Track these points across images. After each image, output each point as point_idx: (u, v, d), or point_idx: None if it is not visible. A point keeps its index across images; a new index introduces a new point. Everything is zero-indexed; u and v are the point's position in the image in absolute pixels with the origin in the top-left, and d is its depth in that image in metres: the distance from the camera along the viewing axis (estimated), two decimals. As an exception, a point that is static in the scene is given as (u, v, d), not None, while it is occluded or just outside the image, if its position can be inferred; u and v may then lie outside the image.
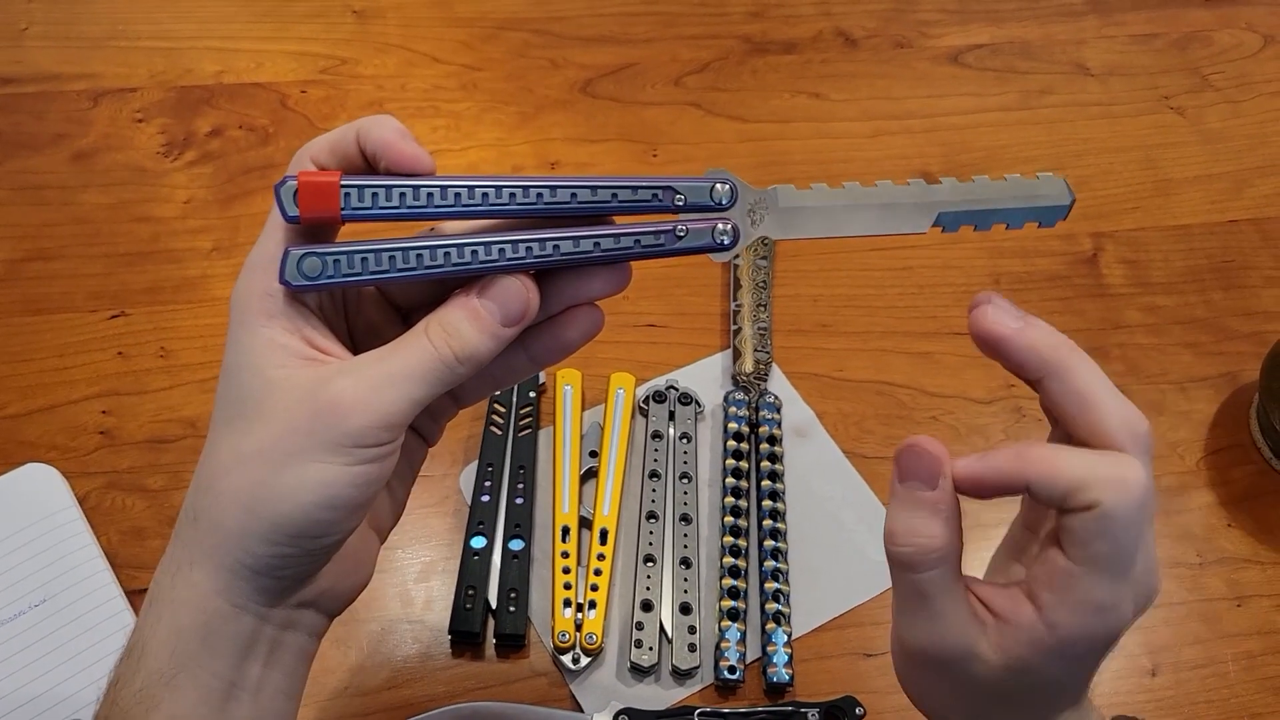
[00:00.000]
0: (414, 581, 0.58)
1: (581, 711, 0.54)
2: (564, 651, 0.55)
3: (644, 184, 0.36)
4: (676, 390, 0.64)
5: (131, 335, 0.66)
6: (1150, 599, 0.35)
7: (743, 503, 0.60)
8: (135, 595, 0.56)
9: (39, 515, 0.58)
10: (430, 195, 0.35)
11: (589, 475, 0.62)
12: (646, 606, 0.57)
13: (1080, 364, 0.35)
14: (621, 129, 0.79)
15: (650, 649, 0.55)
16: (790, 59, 0.85)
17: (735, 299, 0.69)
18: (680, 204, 0.36)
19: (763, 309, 0.68)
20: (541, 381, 0.64)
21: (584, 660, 0.55)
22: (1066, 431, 0.35)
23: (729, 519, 0.60)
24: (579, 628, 0.56)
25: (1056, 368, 0.35)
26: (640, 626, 0.56)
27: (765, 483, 0.61)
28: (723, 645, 0.56)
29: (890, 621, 0.58)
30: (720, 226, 0.37)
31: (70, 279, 0.69)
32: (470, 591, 0.57)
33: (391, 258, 0.35)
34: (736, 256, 0.70)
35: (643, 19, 0.86)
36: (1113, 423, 0.34)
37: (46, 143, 0.75)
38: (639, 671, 0.55)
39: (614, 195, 0.36)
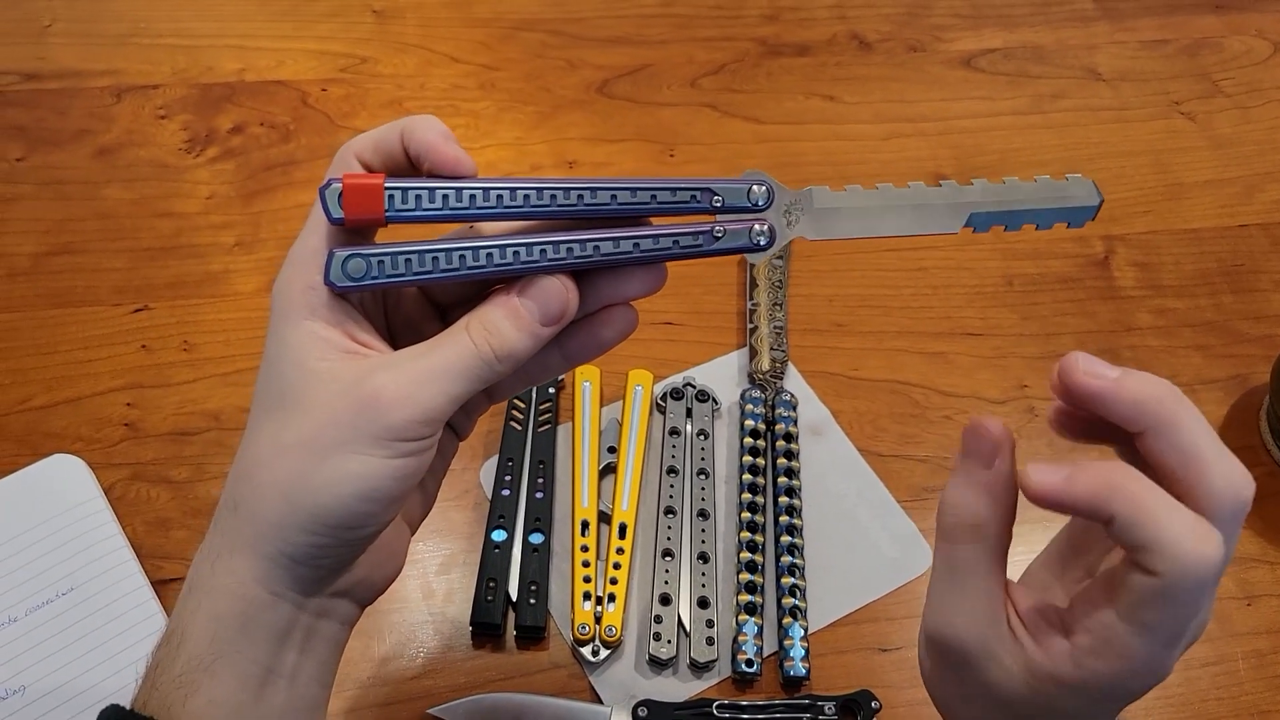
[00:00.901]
0: (435, 574, 0.59)
1: (601, 703, 0.55)
2: (583, 644, 0.56)
3: (683, 185, 0.37)
4: (694, 388, 0.65)
5: (155, 329, 0.67)
6: (1194, 641, 0.34)
7: (759, 499, 0.61)
8: (161, 585, 0.57)
9: (66, 506, 0.59)
10: (473, 197, 0.36)
11: (607, 470, 0.62)
12: (665, 600, 0.57)
13: (1187, 417, 0.32)
14: (638, 129, 0.80)
15: (669, 642, 0.56)
16: (805, 61, 0.86)
17: (752, 298, 0.70)
18: (718, 205, 0.37)
19: (779, 308, 0.69)
20: (561, 378, 0.65)
21: (603, 653, 0.56)
22: (1162, 484, 0.32)
23: (745, 515, 0.60)
24: (598, 620, 0.57)
25: (1162, 422, 0.32)
26: (659, 620, 0.57)
27: (781, 479, 0.62)
28: (740, 639, 0.56)
29: (907, 616, 0.59)
30: (757, 227, 0.37)
31: (94, 273, 0.69)
32: (491, 584, 0.57)
33: (435, 259, 0.36)
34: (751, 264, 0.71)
35: (659, 20, 0.87)
36: (1217, 485, 0.32)
37: (69, 138, 0.76)
38: (657, 664, 0.56)
39: (653, 196, 0.36)
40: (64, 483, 0.60)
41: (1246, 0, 0.94)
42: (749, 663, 0.56)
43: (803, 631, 0.57)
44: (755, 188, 0.37)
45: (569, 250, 0.36)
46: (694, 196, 0.37)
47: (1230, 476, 0.32)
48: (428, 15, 0.86)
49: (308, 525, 0.35)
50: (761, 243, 0.37)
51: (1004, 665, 0.35)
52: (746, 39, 0.87)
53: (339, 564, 0.37)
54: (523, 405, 0.64)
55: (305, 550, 0.36)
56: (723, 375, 0.67)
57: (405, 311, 0.40)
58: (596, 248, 0.36)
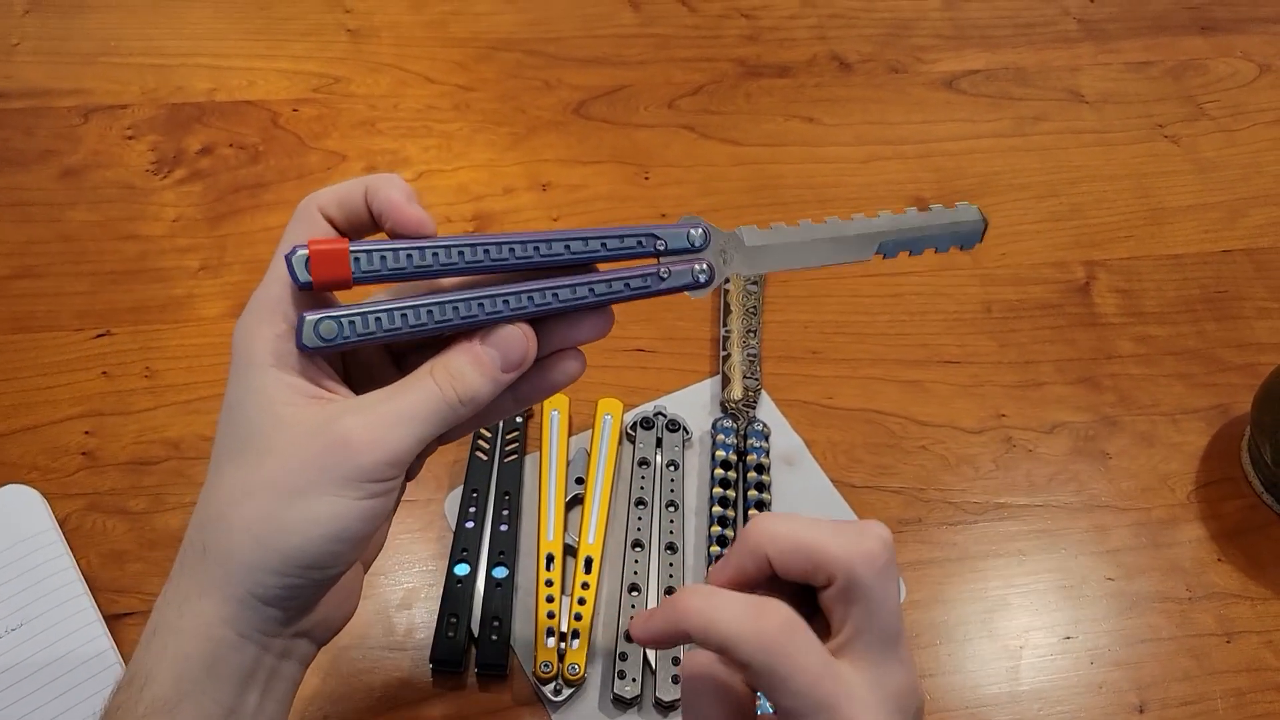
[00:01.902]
0: (396, 609, 0.58)
1: (563, 743, 0.54)
2: (546, 682, 0.55)
3: (629, 233, 0.40)
4: (664, 417, 0.64)
5: (116, 355, 0.66)
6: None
7: (729, 532, 0.60)
8: (115, 620, 0.55)
9: (18, 537, 0.57)
10: (435, 255, 0.38)
11: (575, 502, 0.61)
12: (630, 637, 0.56)
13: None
14: (614, 151, 0.79)
15: (634, 680, 0.55)
16: (784, 83, 0.85)
17: (725, 325, 0.68)
18: (661, 249, 0.40)
19: (752, 335, 0.68)
20: (529, 407, 0.64)
21: (566, 691, 0.55)
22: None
23: (715, 548, 0.59)
24: (562, 658, 0.55)
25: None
26: (624, 657, 0.55)
27: (752, 511, 0.60)
28: (707, 677, 0.55)
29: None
30: (698, 266, 0.41)
31: (56, 297, 0.68)
32: (453, 619, 0.56)
33: (404, 315, 0.37)
34: (726, 279, 0.70)
35: (636, 41, 0.86)
36: (832, 552, 0.36)
37: (35, 159, 0.75)
38: (622, 703, 0.55)
39: (603, 244, 0.39)
40: (17, 514, 0.58)
41: (1232, 22, 0.93)
42: (715, 702, 0.54)
43: (771, 670, 0.55)
44: (693, 230, 0.40)
45: (529, 299, 0.38)
46: (639, 241, 0.40)
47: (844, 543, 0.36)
48: (403, 35, 0.85)
49: (279, 567, 0.36)
50: (703, 279, 0.41)
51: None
52: (725, 60, 0.86)
53: (306, 604, 0.39)
54: (489, 435, 0.62)
55: (275, 591, 0.37)
56: (694, 404, 0.66)
57: (362, 357, 0.42)
58: (555, 294, 0.39)
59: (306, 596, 0.38)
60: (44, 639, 0.55)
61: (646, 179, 0.78)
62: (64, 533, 0.58)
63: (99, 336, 0.67)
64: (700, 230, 0.40)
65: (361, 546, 0.38)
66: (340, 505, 0.36)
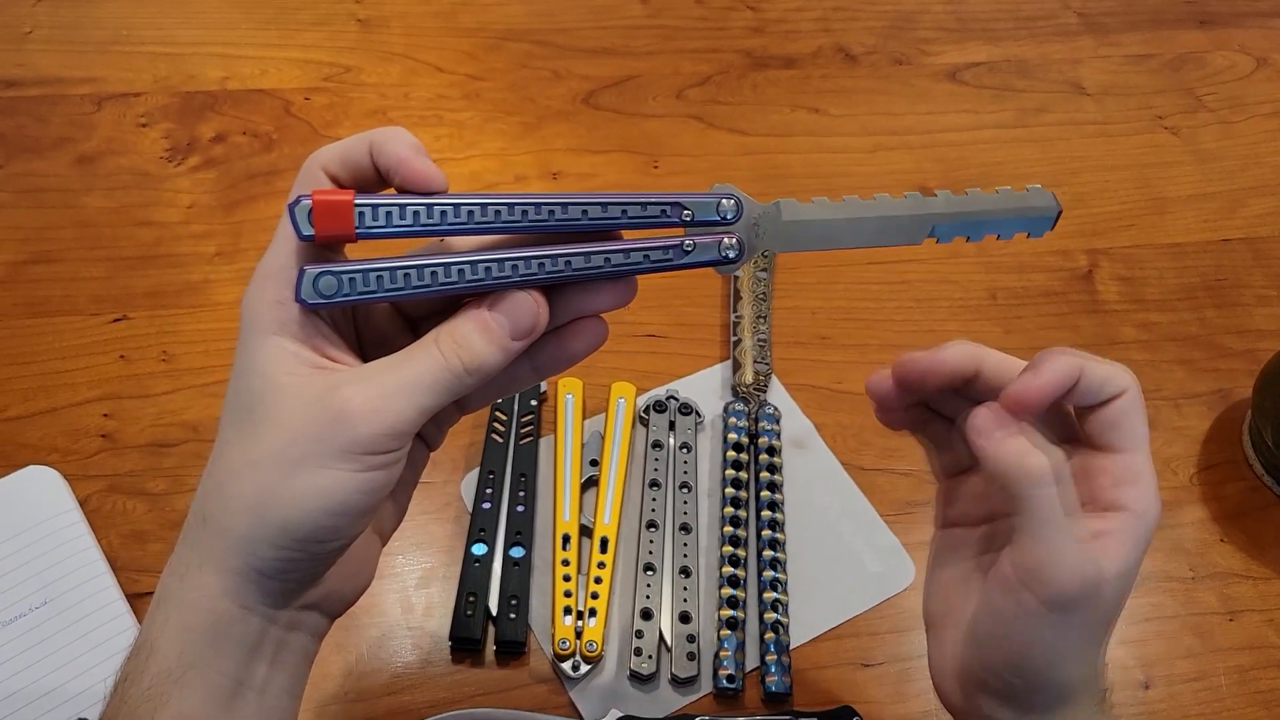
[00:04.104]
0: (415, 588, 0.58)
1: (580, 719, 0.54)
2: (564, 659, 0.56)
3: (653, 200, 0.37)
4: (677, 400, 0.65)
5: (133, 339, 0.67)
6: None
7: (742, 513, 0.61)
8: (136, 598, 0.56)
9: (40, 518, 0.58)
10: (444, 213, 0.35)
11: (589, 484, 0.62)
12: (646, 615, 0.57)
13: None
14: (623, 140, 0.80)
15: (649, 657, 0.56)
16: (790, 74, 0.86)
17: (735, 311, 0.69)
18: (688, 219, 0.37)
19: (763, 321, 0.69)
20: (543, 390, 0.65)
21: (583, 668, 0.56)
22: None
23: (728, 529, 0.60)
24: (579, 635, 0.56)
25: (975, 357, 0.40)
26: (640, 634, 0.56)
27: (764, 493, 0.61)
28: (721, 654, 0.56)
29: (889, 631, 0.59)
30: (726, 241, 0.37)
31: (72, 282, 0.69)
32: (471, 598, 0.57)
33: (406, 275, 0.35)
34: (735, 276, 0.70)
35: (644, 32, 0.87)
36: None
37: (50, 146, 0.75)
38: (638, 679, 0.56)
39: (624, 211, 0.36)
40: (39, 495, 0.59)
41: (1230, 16, 0.94)
42: (730, 678, 0.55)
43: (785, 646, 0.56)
44: (724, 201, 0.37)
45: (540, 265, 0.36)
46: (664, 211, 0.37)
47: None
48: (413, 25, 0.86)
49: (276, 540, 0.35)
50: (730, 256, 0.37)
51: (986, 610, 0.40)
52: (732, 51, 0.87)
53: (308, 577, 0.37)
54: (504, 418, 0.63)
55: (274, 564, 0.36)
56: (706, 388, 0.67)
57: (376, 324, 0.40)
58: (568, 262, 0.36)
59: (309, 569, 0.37)
60: (68, 616, 0.55)
61: (655, 168, 0.78)
62: (85, 513, 0.59)
63: (116, 321, 0.67)
64: (733, 201, 0.37)
65: (364, 520, 0.37)
66: (338, 478, 0.34)
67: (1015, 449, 0.37)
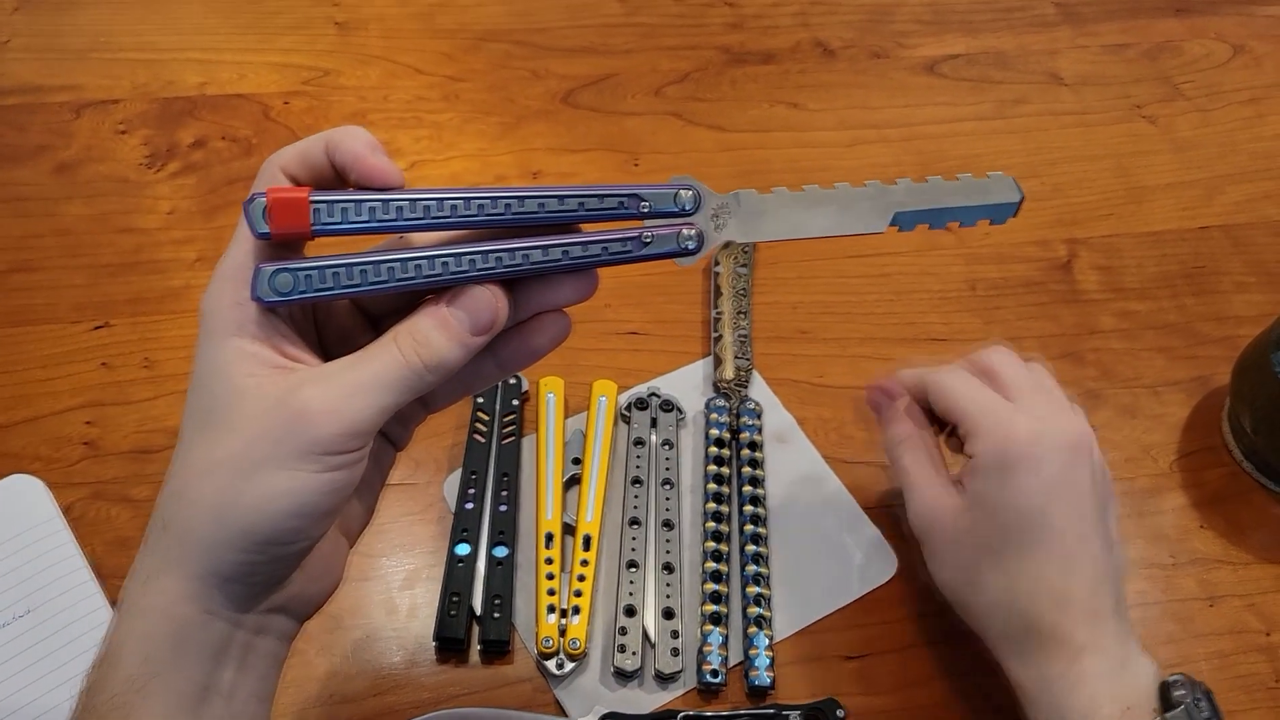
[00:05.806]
0: (398, 589, 0.59)
1: (565, 716, 0.55)
2: (548, 657, 0.56)
3: (610, 192, 0.37)
4: (658, 397, 0.65)
5: (115, 346, 0.67)
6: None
7: (724, 508, 0.61)
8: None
9: (23, 526, 0.58)
10: (400, 209, 0.35)
11: (572, 482, 0.62)
12: (630, 611, 0.57)
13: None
14: (603, 139, 0.80)
15: (634, 654, 0.56)
16: (768, 69, 0.86)
17: (716, 306, 0.70)
18: (645, 210, 0.37)
19: (743, 316, 0.69)
20: (525, 389, 0.65)
21: (568, 665, 0.56)
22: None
23: (711, 524, 0.60)
24: (563, 633, 0.56)
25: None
26: (624, 631, 0.57)
27: (747, 488, 0.62)
28: (705, 649, 0.56)
29: (873, 624, 0.59)
30: (685, 231, 0.37)
31: (53, 290, 0.69)
32: (454, 598, 0.57)
33: (363, 271, 0.35)
34: (716, 262, 0.71)
35: (622, 30, 0.87)
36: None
37: (28, 154, 0.75)
38: (622, 676, 0.56)
39: (581, 204, 0.36)
40: (21, 503, 0.59)
41: (1206, 4, 0.95)
42: (714, 673, 0.56)
43: (768, 641, 0.57)
44: (682, 192, 0.37)
45: (498, 260, 0.36)
46: (621, 202, 0.37)
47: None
48: (391, 27, 0.86)
49: (238, 543, 0.35)
50: (690, 247, 0.37)
51: (956, 515, 0.51)
52: (710, 48, 0.87)
53: (272, 580, 0.37)
54: (486, 417, 0.63)
55: (236, 568, 0.36)
56: (687, 384, 0.67)
57: (337, 323, 0.40)
58: (526, 256, 0.36)
59: (271, 572, 0.37)
60: (52, 625, 0.55)
61: (635, 165, 0.79)
62: (68, 521, 0.59)
63: (97, 328, 0.67)
64: (691, 192, 0.37)
65: (326, 521, 0.37)
66: (299, 479, 0.34)
67: (891, 423, 0.56)
